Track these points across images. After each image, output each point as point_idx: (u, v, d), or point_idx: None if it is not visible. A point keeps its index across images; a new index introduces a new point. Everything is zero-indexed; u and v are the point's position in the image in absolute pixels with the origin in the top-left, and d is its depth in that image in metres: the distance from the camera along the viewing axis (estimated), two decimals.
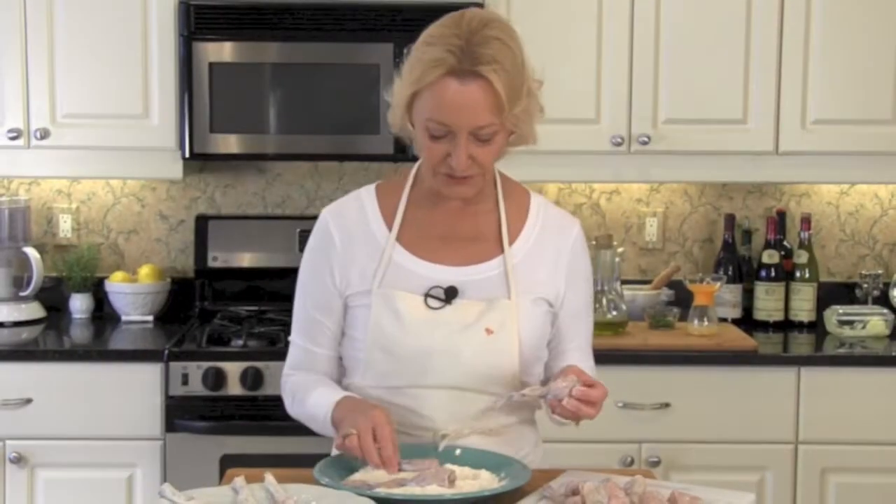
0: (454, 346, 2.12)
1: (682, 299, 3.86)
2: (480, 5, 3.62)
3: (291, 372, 2.28)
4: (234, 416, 3.42)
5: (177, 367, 3.42)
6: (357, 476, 2.00)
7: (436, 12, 2.14)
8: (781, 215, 4.04)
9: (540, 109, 2.12)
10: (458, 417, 2.14)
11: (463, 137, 2.02)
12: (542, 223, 2.23)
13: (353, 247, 2.19)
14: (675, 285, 3.95)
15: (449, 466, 2.02)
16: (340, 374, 2.26)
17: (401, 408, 2.14)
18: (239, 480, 1.93)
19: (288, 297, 3.93)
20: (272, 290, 3.97)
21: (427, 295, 2.14)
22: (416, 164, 2.23)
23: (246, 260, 3.99)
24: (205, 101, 3.65)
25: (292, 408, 2.26)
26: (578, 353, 2.24)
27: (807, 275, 3.93)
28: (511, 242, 2.19)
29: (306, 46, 3.65)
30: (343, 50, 3.62)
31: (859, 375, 3.49)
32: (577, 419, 2.05)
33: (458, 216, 2.20)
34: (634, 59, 3.71)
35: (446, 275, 2.16)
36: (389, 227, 2.19)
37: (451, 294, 2.14)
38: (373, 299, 2.15)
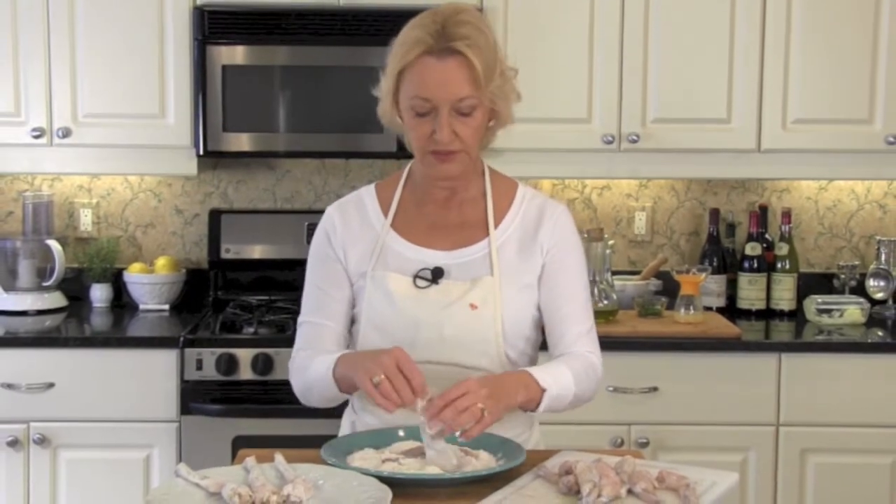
0: (439, 321, 2.15)
1: (669, 289, 3.86)
2: (479, 10, 3.62)
3: (298, 350, 2.27)
4: (245, 399, 3.42)
5: (191, 353, 3.42)
6: (372, 453, 2.01)
7: None
8: (763, 210, 4.04)
9: (517, 95, 2.18)
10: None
11: (444, 111, 2.07)
12: (527, 207, 2.26)
13: (352, 232, 2.24)
14: (662, 276, 3.95)
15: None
16: None
17: None
18: (250, 460, 1.93)
19: (297, 287, 3.95)
20: (282, 281, 3.97)
21: (415, 276, 2.18)
22: (410, 162, 2.28)
23: (257, 252, 3.99)
24: (218, 102, 3.64)
25: (296, 381, 2.24)
26: (574, 318, 2.22)
27: (787, 266, 3.93)
28: (496, 226, 2.22)
29: (314, 50, 3.64)
30: (348, 53, 3.61)
31: (837, 361, 3.49)
32: (460, 423, 1.92)
33: (446, 206, 2.24)
34: (624, 62, 3.70)
35: (434, 258, 2.20)
36: (386, 216, 2.25)
37: (437, 274, 2.18)
38: (367, 282, 2.19)
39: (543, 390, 2.08)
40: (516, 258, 2.21)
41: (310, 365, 2.18)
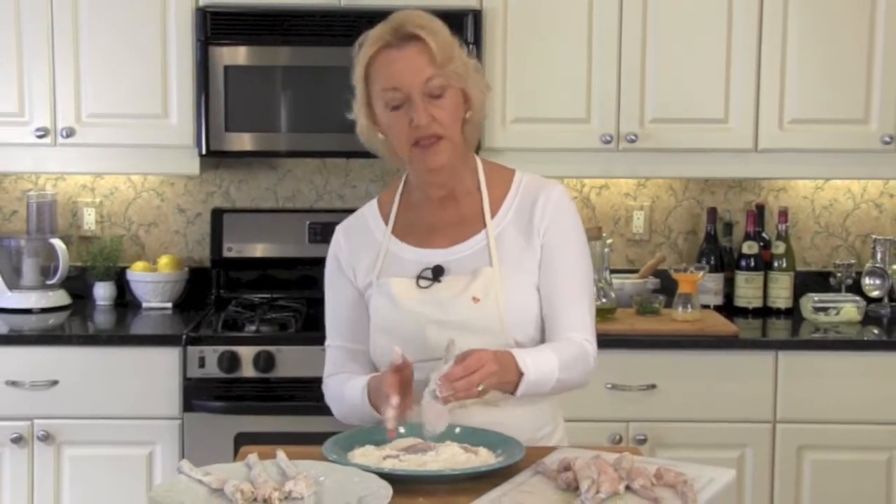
0: (443, 317, 2.15)
1: (667, 287, 3.85)
2: (478, 12, 3.63)
3: (328, 376, 2.30)
4: (247, 396, 3.42)
5: (194, 350, 3.42)
6: (371, 449, 2.02)
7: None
8: (760, 209, 4.04)
9: (486, 86, 2.22)
10: None
11: (416, 96, 2.10)
12: (522, 193, 2.25)
13: (357, 247, 2.27)
14: (660, 274, 3.95)
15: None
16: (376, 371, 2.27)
17: None
18: (252, 457, 1.94)
19: (298, 285, 3.96)
20: (283, 279, 3.97)
21: (418, 277, 2.19)
22: (406, 173, 2.29)
23: (259, 250, 3.99)
24: (220, 102, 3.64)
25: (335, 409, 2.28)
26: (570, 304, 2.20)
27: (784, 264, 3.93)
28: (493, 216, 2.22)
29: (315, 50, 3.64)
30: (350, 54, 3.59)
31: (833, 359, 3.49)
32: (467, 397, 1.99)
33: (443, 206, 2.24)
34: (622, 62, 3.70)
35: (435, 257, 2.21)
36: (386, 224, 2.27)
37: (438, 272, 2.19)
38: (373, 290, 2.21)
39: (521, 374, 2.07)
40: (516, 245, 2.20)
41: (343, 394, 2.22)
